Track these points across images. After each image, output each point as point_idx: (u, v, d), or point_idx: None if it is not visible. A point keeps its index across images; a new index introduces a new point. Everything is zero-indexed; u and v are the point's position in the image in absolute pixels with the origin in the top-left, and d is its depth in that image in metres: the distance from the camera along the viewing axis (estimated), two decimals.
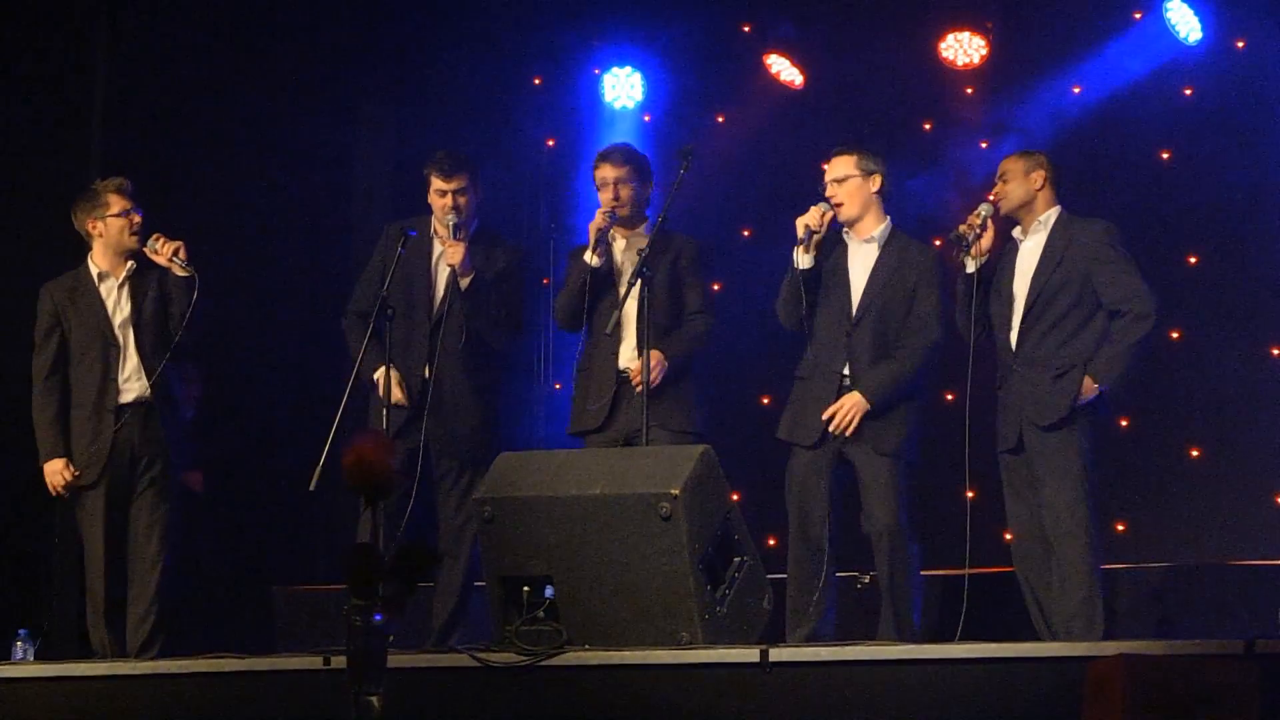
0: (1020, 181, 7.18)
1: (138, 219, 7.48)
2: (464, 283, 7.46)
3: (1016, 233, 7.25)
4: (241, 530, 9.09)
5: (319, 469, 6.85)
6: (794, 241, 7.20)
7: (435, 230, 7.61)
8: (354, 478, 4.87)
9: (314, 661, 6.26)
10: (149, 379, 7.38)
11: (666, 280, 7.41)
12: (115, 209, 7.47)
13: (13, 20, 8.90)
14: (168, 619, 7.33)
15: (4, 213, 8.82)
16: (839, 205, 7.24)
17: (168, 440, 7.40)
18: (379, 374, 7.37)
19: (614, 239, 7.56)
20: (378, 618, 4.81)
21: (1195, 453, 8.96)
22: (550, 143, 10.28)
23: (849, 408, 7.10)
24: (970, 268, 7.12)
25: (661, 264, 7.38)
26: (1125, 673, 5.07)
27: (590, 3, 10.07)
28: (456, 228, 7.48)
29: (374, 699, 4.79)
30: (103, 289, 7.48)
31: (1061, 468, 6.95)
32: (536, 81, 10.28)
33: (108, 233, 7.49)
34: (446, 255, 7.48)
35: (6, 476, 8.44)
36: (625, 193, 7.50)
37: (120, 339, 7.42)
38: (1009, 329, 7.13)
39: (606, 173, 7.55)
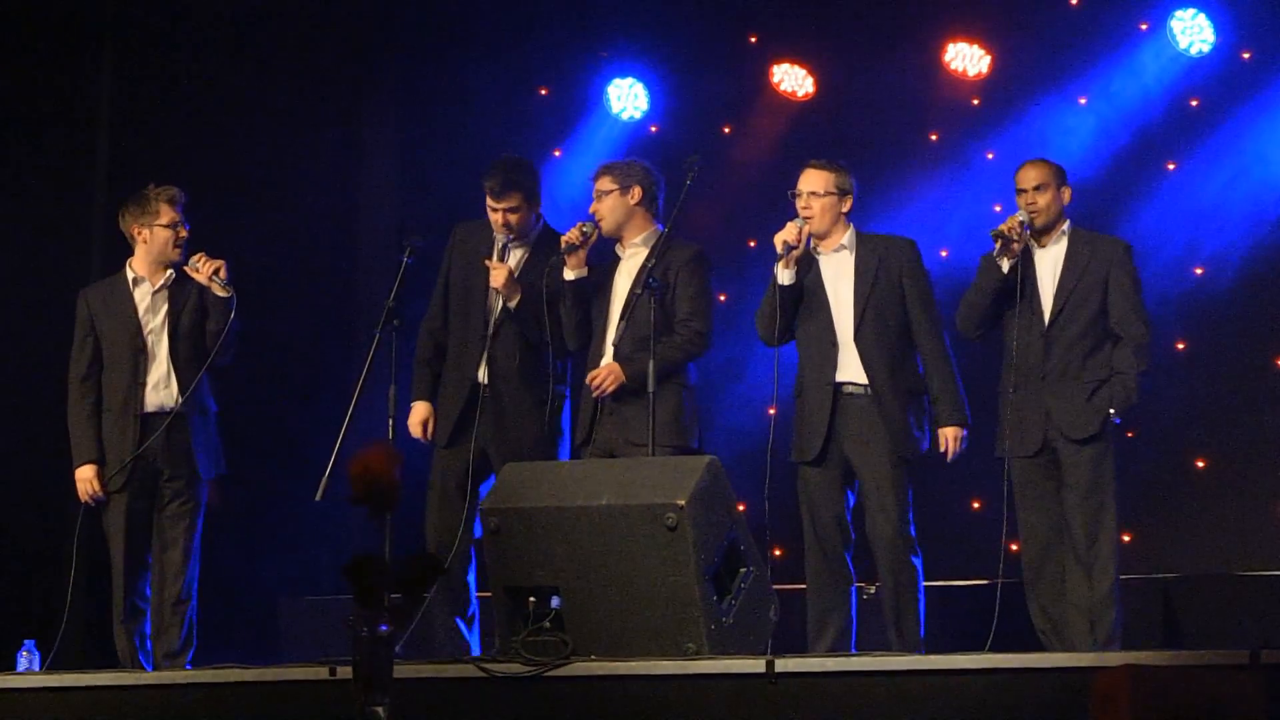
0: (1054, 196, 7.23)
1: (184, 233, 7.47)
2: (511, 303, 7.36)
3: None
4: (247, 540, 9.09)
5: (325, 479, 6.85)
6: (775, 258, 7.19)
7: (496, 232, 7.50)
8: (360, 489, 4.88)
9: (320, 672, 6.25)
10: (179, 388, 7.39)
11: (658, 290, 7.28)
12: (164, 219, 7.45)
13: (18, 30, 8.92)
14: (194, 629, 7.36)
15: (5, 216, 8.84)
16: (809, 218, 7.24)
17: (196, 451, 7.41)
18: (418, 409, 7.46)
19: (623, 250, 7.47)
20: (383, 628, 4.81)
21: (1200, 463, 8.96)
22: (557, 153, 10.28)
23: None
24: (1005, 267, 7.16)
25: (655, 274, 7.28)
26: (1131, 684, 5.06)
27: (596, 14, 10.07)
28: (505, 247, 7.41)
29: (380, 710, 4.80)
30: (136, 294, 7.47)
31: (1094, 481, 7.08)
32: (543, 92, 10.29)
33: (152, 241, 7.48)
34: (491, 277, 7.38)
35: (21, 485, 8.47)
36: (603, 206, 7.38)
37: (149, 345, 7.42)
38: (1030, 337, 7.16)
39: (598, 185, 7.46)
